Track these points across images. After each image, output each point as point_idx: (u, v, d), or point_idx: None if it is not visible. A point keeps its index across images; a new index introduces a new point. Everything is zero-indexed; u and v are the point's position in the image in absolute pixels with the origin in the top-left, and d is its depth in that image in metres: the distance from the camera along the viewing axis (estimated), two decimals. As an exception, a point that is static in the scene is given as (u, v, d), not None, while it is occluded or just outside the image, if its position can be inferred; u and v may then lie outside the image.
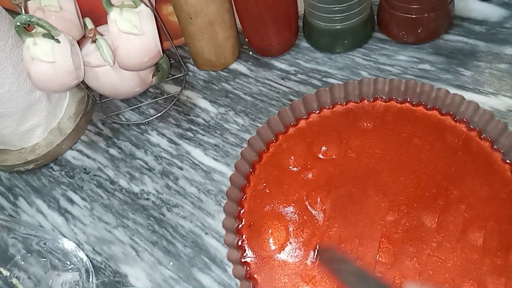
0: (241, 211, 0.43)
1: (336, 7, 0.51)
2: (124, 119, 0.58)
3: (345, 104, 0.47)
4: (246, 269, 0.39)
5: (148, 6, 0.49)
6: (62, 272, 0.42)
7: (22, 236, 0.42)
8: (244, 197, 0.43)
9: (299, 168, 0.44)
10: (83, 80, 0.52)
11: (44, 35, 0.46)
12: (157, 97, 0.60)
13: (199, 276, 0.43)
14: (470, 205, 0.39)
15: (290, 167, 0.44)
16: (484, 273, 0.35)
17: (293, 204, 0.42)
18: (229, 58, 0.59)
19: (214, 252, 0.45)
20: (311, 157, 0.44)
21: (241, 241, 0.41)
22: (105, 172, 0.54)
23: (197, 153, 0.52)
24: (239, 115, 0.54)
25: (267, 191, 0.43)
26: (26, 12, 0.50)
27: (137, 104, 0.59)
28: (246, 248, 0.40)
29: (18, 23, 0.44)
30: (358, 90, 0.47)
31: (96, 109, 0.61)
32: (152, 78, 0.58)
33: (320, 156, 0.44)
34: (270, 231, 0.41)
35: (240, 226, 0.42)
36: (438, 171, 0.41)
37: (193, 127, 0.55)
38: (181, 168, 0.52)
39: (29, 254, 0.41)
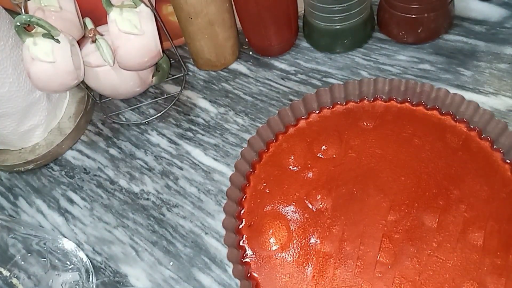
0: (241, 211, 0.43)
1: (336, 7, 0.51)
2: (124, 119, 0.58)
3: (345, 104, 0.47)
4: (247, 269, 0.39)
5: (148, 6, 0.49)
6: (62, 272, 0.42)
7: (22, 236, 0.42)
8: (244, 197, 0.43)
9: (299, 167, 0.44)
10: (83, 80, 0.52)
11: (44, 35, 0.46)
12: (157, 97, 0.60)
13: (199, 276, 0.43)
14: (470, 205, 0.39)
15: (290, 166, 0.44)
16: (484, 273, 0.35)
17: (293, 204, 0.42)
18: (229, 58, 0.59)
19: (214, 252, 0.45)
20: (311, 157, 0.44)
21: (242, 241, 0.41)
22: (105, 172, 0.54)
23: (197, 153, 0.52)
24: (239, 115, 0.54)
25: (267, 191, 0.43)
26: (26, 12, 0.50)
27: (137, 104, 0.59)
28: (247, 248, 0.40)
29: (18, 23, 0.44)
30: (358, 90, 0.47)
31: (96, 109, 0.61)
32: (152, 78, 0.58)
33: (320, 155, 0.44)
34: (271, 231, 0.41)
35: (240, 226, 0.42)
36: (438, 171, 0.41)
37: (193, 127, 0.55)
38: (181, 168, 0.52)
39: (29, 254, 0.41)
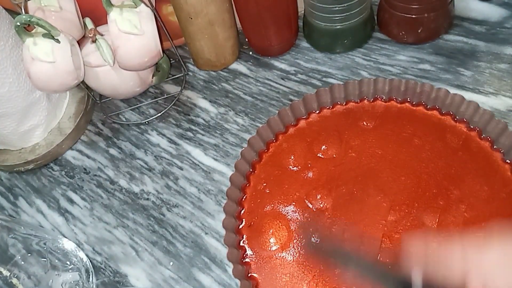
0: (241, 211, 0.43)
1: (336, 7, 0.51)
2: (124, 119, 0.58)
3: (345, 104, 0.47)
4: (247, 269, 0.39)
5: (148, 6, 0.49)
6: (62, 272, 0.42)
7: (22, 236, 0.42)
8: (244, 197, 0.43)
9: (299, 167, 0.44)
10: (83, 80, 0.52)
11: (44, 35, 0.46)
12: (157, 97, 0.60)
13: (199, 276, 0.43)
14: (470, 205, 0.39)
15: (290, 166, 0.44)
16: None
17: (294, 203, 0.42)
18: (229, 58, 0.59)
19: (214, 252, 0.45)
20: (311, 157, 0.44)
21: (242, 241, 0.41)
22: (105, 172, 0.54)
23: (197, 153, 0.52)
24: (239, 115, 0.54)
25: (267, 191, 0.43)
26: (26, 12, 0.50)
27: (137, 104, 0.59)
28: (247, 248, 0.40)
29: (18, 23, 0.44)
30: (358, 90, 0.47)
31: (96, 109, 0.61)
32: (152, 78, 0.58)
33: (320, 155, 0.44)
34: (271, 231, 0.41)
35: (240, 226, 0.42)
36: (439, 171, 0.41)
37: (193, 127, 0.55)
38: (181, 168, 0.52)
39: (29, 254, 0.41)
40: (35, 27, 0.47)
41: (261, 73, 0.58)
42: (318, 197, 0.42)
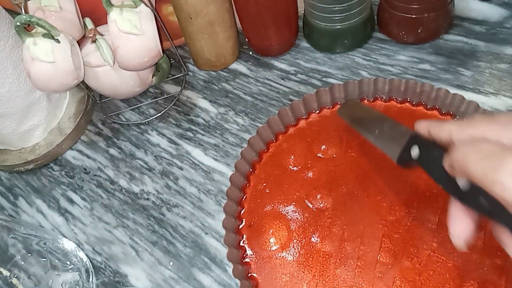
0: (241, 211, 0.43)
1: (336, 7, 0.51)
2: (124, 119, 0.58)
3: (345, 104, 0.47)
4: (247, 269, 0.39)
5: (148, 6, 0.49)
6: (62, 272, 0.42)
7: (22, 236, 0.42)
8: (244, 197, 0.43)
9: (300, 167, 0.44)
10: (83, 80, 0.52)
11: (44, 35, 0.46)
12: (157, 97, 0.60)
13: (199, 276, 0.43)
14: (470, 205, 0.39)
15: (290, 166, 0.44)
16: (484, 273, 0.35)
17: (293, 203, 0.42)
18: (229, 58, 0.59)
19: (214, 252, 0.45)
20: (311, 157, 0.44)
21: (242, 241, 0.41)
22: (105, 172, 0.54)
23: (197, 153, 0.52)
24: (239, 115, 0.54)
25: (267, 191, 0.43)
26: (26, 12, 0.50)
27: (137, 104, 0.59)
28: (247, 248, 0.40)
29: (18, 23, 0.44)
30: (358, 90, 0.47)
31: (96, 109, 0.61)
32: (152, 78, 0.58)
33: (320, 155, 0.44)
34: (271, 231, 0.41)
35: (240, 226, 0.42)
36: (438, 171, 0.41)
37: (193, 127, 0.55)
38: (181, 168, 0.52)
39: (29, 254, 0.41)
40: (35, 27, 0.47)
41: (261, 73, 0.58)
42: (318, 197, 0.42)
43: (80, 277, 0.42)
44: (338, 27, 0.53)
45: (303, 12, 0.57)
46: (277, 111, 0.47)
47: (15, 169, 0.56)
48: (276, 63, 0.58)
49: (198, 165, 0.51)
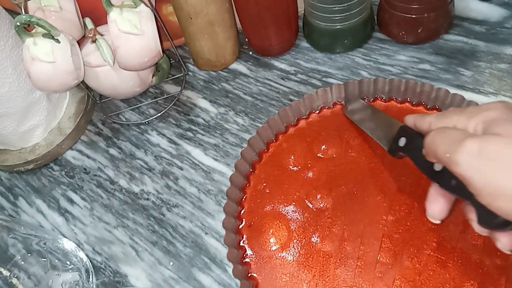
0: (241, 211, 0.43)
1: (336, 7, 0.51)
2: (124, 119, 0.58)
3: (345, 104, 0.47)
4: (247, 269, 0.39)
5: (148, 6, 0.49)
6: (62, 272, 0.42)
7: (22, 236, 0.42)
8: (244, 197, 0.43)
9: (300, 167, 0.44)
10: (83, 80, 0.52)
11: (44, 35, 0.46)
12: (157, 97, 0.60)
13: (199, 276, 0.43)
14: (470, 205, 0.39)
15: (290, 166, 0.44)
16: (484, 273, 0.35)
17: (293, 203, 0.42)
18: (229, 58, 0.59)
19: (214, 252, 0.45)
20: (311, 157, 0.44)
21: (242, 241, 0.41)
22: (105, 172, 0.54)
23: (197, 153, 0.52)
24: (239, 115, 0.54)
25: (267, 191, 0.43)
26: (26, 12, 0.50)
27: (137, 104, 0.59)
28: (247, 248, 0.40)
29: (18, 23, 0.44)
30: (358, 90, 0.47)
31: (96, 109, 0.61)
32: (152, 78, 0.58)
33: (320, 155, 0.44)
34: (271, 231, 0.41)
35: (240, 226, 0.42)
36: (438, 171, 0.41)
37: (193, 127, 0.55)
38: (181, 168, 0.52)
39: (29, 254, 0.41)
40: (35, 27, 0.47)
41: (261, 73, 0.58)
42: (318, 197, 0.42)
43: (80, 277, 0.42)
44: (338, 27, 0.53)
45: (303, 12, 0.57)
46: (277, 111, 0.47)
47: (15, 169, 0.56)
48: (276, 63, 0.58)
49: (198, 165, 0.51)
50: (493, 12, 0.55)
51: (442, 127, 0.30)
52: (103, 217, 0.50)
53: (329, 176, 0.43)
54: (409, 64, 0.53)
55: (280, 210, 0.42)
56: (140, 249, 0.46)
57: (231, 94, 0.57)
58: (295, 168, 0.44)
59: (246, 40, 0.60)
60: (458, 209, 0.38)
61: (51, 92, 0.54)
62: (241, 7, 0.54)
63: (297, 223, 0.41)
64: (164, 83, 0.60)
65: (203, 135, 0.54)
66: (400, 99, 0.46)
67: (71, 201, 0.52)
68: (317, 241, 0.39)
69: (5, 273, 0.39)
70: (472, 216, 0.28)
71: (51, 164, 0.57)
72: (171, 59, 0.61)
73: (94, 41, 0.52)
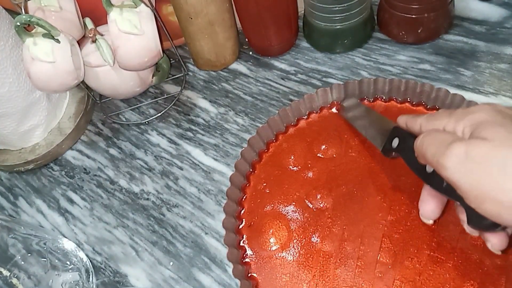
0: (241, 211, 0.43)
1: (336, 7, 0.51)
2: (124, 119, 0.58)
3: (345, 104, 0.47)
4: (247, 269, 0.39)
5: (148, 6, 0.49)
6: (62, 272, 0.42)
7: (22, 236, 0.42)
8: (244, 197, 0.43)
9: (300, 167, 0.44)
10: (83, 80, 0.52)
11: (44, 35, 0.46)
12: (157, 97, 0.60)
13: (199, 276, 0.43)
14: (470, 205, 0.39)
15: (290, 166, 0.44)
16: (484, 273, 0.35)
17: (293, 203, 0.42)
18: (229, 58, 0.59)
19: (214, 252, 0.45)
20: (311, 157, 0.44)
21: (242, 241, 0.41)
22: (105, 172, 0.54)
23: (197, 153, 0.52)
24: (239, 115, 0.54)
25: (267, 191, 0.43)
26: (26, 12, 0.50)
27: (137, 104, 0.59)
28: (247, 248, 0.40)
29: (18, 23, 0.44)
30: (358, 90, 0.47)
31: (96, 109, 0.61)
32: (152, 78, 0.58)
33: (320, 155, 0.44)
34: (271, 231, 0.41)
35: (240, 226, 0.42)
36: (438, 171, 0.41)
37: (193, 127, 0.55)
38: (181, 168, 0.52)
39: (29, 254, 0.41)
40: (35, 27, 0.47)
41: (261, 73, 0.58)
42: (318, 197, 0.42)
43: (80, 277, 0.42)
44: (338, 27, 0.53)
45: (303, 12, 0.57)
46: (277, 111, 0.47)
47: (15, 169, 0.56)
48: (276, 63, 0.58)
49: (198, 165, 0.51)
50: (493, 12, 0.55)
51: (431, 130, 0.31)
52: (103, 217, 0.50)
53: (329, 176, 0.43)
54: (409, 64, 0.53)
55: (280, 210, 0.42)
56: (140, 249, 0.46)
57: (231, 94, 0.57)
58: (295, 168, 0.44)
59: (246, 40, 0.60)
60: (458, 209, 0.39)
61: (51, 92, 0.54)
62: (241, 7, 0.54)
63: (297, 223, 0.41)
64: (164, 83, 0.60)
65: (203, 135, 0.54)
66: (400, 99, 0.46)
67: (71, 201, 0.52)
68: (317, 241, 0.39)
69: (5, 273, 0.39)
70: (463, 217, 0.29)
71: (51, 164, 0.57)
72: (171, 59, 0.61)
73: (94, 41, 0.52)
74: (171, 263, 0.45)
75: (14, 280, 0.39)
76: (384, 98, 0.47)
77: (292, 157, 0.45)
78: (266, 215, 0.42)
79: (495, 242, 0.29)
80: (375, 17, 0.57)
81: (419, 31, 0.52)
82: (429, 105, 0.45)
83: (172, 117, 0.57)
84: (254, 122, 0.53)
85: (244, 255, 0.40)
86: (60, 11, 0.52)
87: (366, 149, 0.44)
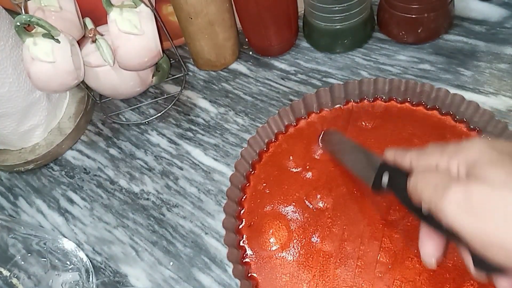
0: (241, 211, 0.43)
1: (336, 7, 0.51)
2: (124, 119, 0.58)
3: (345, 104, 0.47)
4: (247, 269, 0.39)
5: (148, 6, 0.49)
6: (62, 272, 0.42)
7: (22, 236, 0.42)
8: (244, 197, 0.43)
9: (299, 167, 0.44)
10: (83, 80, 0.52)
11: (44, 35, 0.46)
12: (157, 97, 0.60)
13: (199, 276, 0.43)
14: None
15: (290, 167, 0.44)
16: (484, 273, 0.35)
17: (293, 204, 0.42)
18: (229, 58, 0.59)
19: (214, 252, 0.45)
20: (311, 157, 0.44)
21: (242, 241, 0.41)
22: (105, 172, 0.54)
23: (197, 153, 0.52)
24: (239, 115, 0.54)
25: (267, 191, 0.43)
26: (26, 12, 0.50)
27: (137, 104, 0.59)
28: (247, 248, 0.40)
29: (18, 23, 0.44)
30: (358, 90, 0.47)
31: (96, 109, 0.61)
32: (152, 78, 0.58)
33: (320, 155, 0.44)
34: (271, 231, 0.41)
35: (240, 226, 0.42)
36: (438, 171, 0.41)
37: (193, 127, 0.55)
38: (181, 168, 0.52)
39: (29, 254, 0.41)
40: (35, 27, 0.47)
41: (261, 73, 0.58)
42: (318, 197, 0.42)
43: (80, 277, 0.42)
44: (338, 27, 0.53)
45: (303, 12, 0.57)
46: (277, 111, 0.47)
47: (15, 169, 0.56)
48: (276, 63, 0.58)
49: (198, 165, 0.51)
50: (493, 12, 0.55)
51: (423, 171, 0.29)
52: (103, 217, 0.50)
53: (329, 176, 0.43)
54: (409, 64, 0.53)
55: (280, 210, 0.42)
56: (140, 249, 0.46)
57: (231, 94, 0.57)
58: (295, 168, 0.44)
59: (246, 40, 0.60)
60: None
61: (51, 92, 0.54)
62: (241, 7, 0.54)
63: (297, 223, 0.41)
64: (164, 83, 0.60)
65: (203, 135, 0.54)
66: (400, 99, 0.46)
67: (71, 201, 0.52)
68: (317, 241, 0.39)
69: (5, 273, 0.39)
70: (468, 259, 0.27)
71: (51, 164, 0.57)
72: (171, 59, 0.61)
73: (94, 41, 0.52)
74: (171, 263, 0.45)
75: (14, 280, 0.39)
76: (384, 98, 0.47)
77: (292, 157, 0.45)
78: (266, 215, 0.42)
79: (505, 285, 0.26)
80: (375, 17, 0.57)
81: (419, 31, 0.52)
82: (429, 105, 0.45)
83: (172, 117, 0.57)
84: (254, 122, 0.53)
85: (244, 255, 0.40)
86: (60, 11, 0.52)
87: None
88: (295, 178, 0.43)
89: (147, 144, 0.55)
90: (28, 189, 0.55)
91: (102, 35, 0.52)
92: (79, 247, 0.46)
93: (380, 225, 0.39)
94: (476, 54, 0.52)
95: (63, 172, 0.55)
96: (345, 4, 0.50)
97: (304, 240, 0.40)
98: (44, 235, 0.43)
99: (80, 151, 0.57)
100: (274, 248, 0.40)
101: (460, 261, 0.36)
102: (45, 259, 0.41)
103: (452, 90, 0.45)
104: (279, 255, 0.39)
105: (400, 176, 0.31)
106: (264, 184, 0.44)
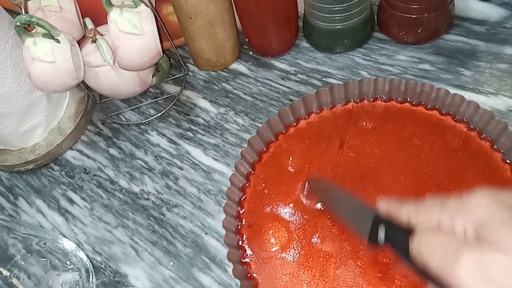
0: (241, 211, 0.43)
1: (336, 7, 0.51)
2: (124, 119, 0.58)
3: (345, 104, 0.47)
4: (247, 269, 0.39)
5: (148, 6, 0.49)
6: (62, 272, 0.42)
7: (22, 236, 0.42)
8: (244, 197, 0.43)
9: (299, 168, 0.44)
10: (83, 80, 0.52)
11: (44, 35, 0.46)
12: (157, 97, 0.60)
13: (199, 276, 0.43)
14: (470, 205, 0.38)
15: (290, 167, 0.44)
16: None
17: (292, 204, 0.42)
18: (229, 58, 0.59)
19: (214, 252, 0.45)
20: (311, 157, 0.44)
21: (241, 241, 0.41)
22: (105, 172, 0.54)
23: (197, 153, 0.52)
24: (239, 115, 0.54)
25: (267, 192, 0.43)
26: (26, 12, 0.50)
27: (137, 104, 0.59)
28: (247, 248, 0.40)
29: (18, 23, 0.44)
30: (358, 90, 0.47)
31: (96, 109, 0.61)
32: (152, 78, 0.58)
33: (320, 155, 0.44)
34: (270, 231, 0.41)
35: (240, 226, 0.42)
36: (438, 171, 0.41)
37: (193, 127, 0.55)
38: (181, 168, 0.52)
39: (29, 254, 0.41)
40: (35, 27, 0.47)
41: (261, 73, 0.58)
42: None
43: (80, 277, 0.42)
44: (338, 27, 0.53)
45: (303, 12, 0.57)
46: (277, 111, 0.47)
47: (15, 169, 0.56)
48: (276, 63, 0.58)
49: (198, 165, 0.51)
50: (493, 12, 0.55)
51: (426, 232, 0.27)
52: (103, 217, 0.50)
53: (328, 177, 0.43)
54: (409, 64, 0.53)
55: (280, 211, 0.42)
56: (140, 249, 0.46)
57: (231, 94, 0.57)
58: (294, 168, 0.44)
59: (246, 40, 0.60)
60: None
61: (51, 92, 0.54)
62: (241, 7, 0.54)
63: (297, 223, 0.41)
64: (164, 83, 0.60)
65: (203, 135, 0.54)
66: (400, 99, 0.46)
67: (71, 201, 0.52)
68: (317, 241, 0.39)
69: (5, 273, 0.39)
70: None
71: (51, 164, 0.57)
72: (171, 59, 0.61)
73: (94, 41, 0.52)
74: (171, 263, 0.45)
75: (14, 280, 0.39)
76: (384, 98, 0.47)
77: (292, 158, 0.45)
78: (266, 215, 0.42)
79: None
80: (375, 17, 0.57)
81: (419, 31, 0.52)
82: (429, 105, 0.45)
83: (172, 117, 0.57)
84: (254, 122, 0.53)
85: (244, 255, 0.40)
86: (60, 11, 0.52)
87: (366, 150, 0.44)
88: (295, 178, 0.43)
89: (147, 144, 0.55)
90: (28, 189, 0.55)
91: (102, 35, 0.52)
92: (79, 247, 0.46)
93: (380, 225, 0.39)
94: (476, 54, 0.52)
95: (63, 172, 0.55)
96: (345, 4, 0.50)
97: (304, 240, 0.40)
98: (44, 235, 0.43)
99: (80, 151, 0.57)
100: (274, 248, 0.40)
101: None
102: (45, 259, 0.41)
103: (452, 90, 0.45)
104: (279, 255, 0.39)
105: (398, 232, 0.29)
106: (264, 184, 0.44)
